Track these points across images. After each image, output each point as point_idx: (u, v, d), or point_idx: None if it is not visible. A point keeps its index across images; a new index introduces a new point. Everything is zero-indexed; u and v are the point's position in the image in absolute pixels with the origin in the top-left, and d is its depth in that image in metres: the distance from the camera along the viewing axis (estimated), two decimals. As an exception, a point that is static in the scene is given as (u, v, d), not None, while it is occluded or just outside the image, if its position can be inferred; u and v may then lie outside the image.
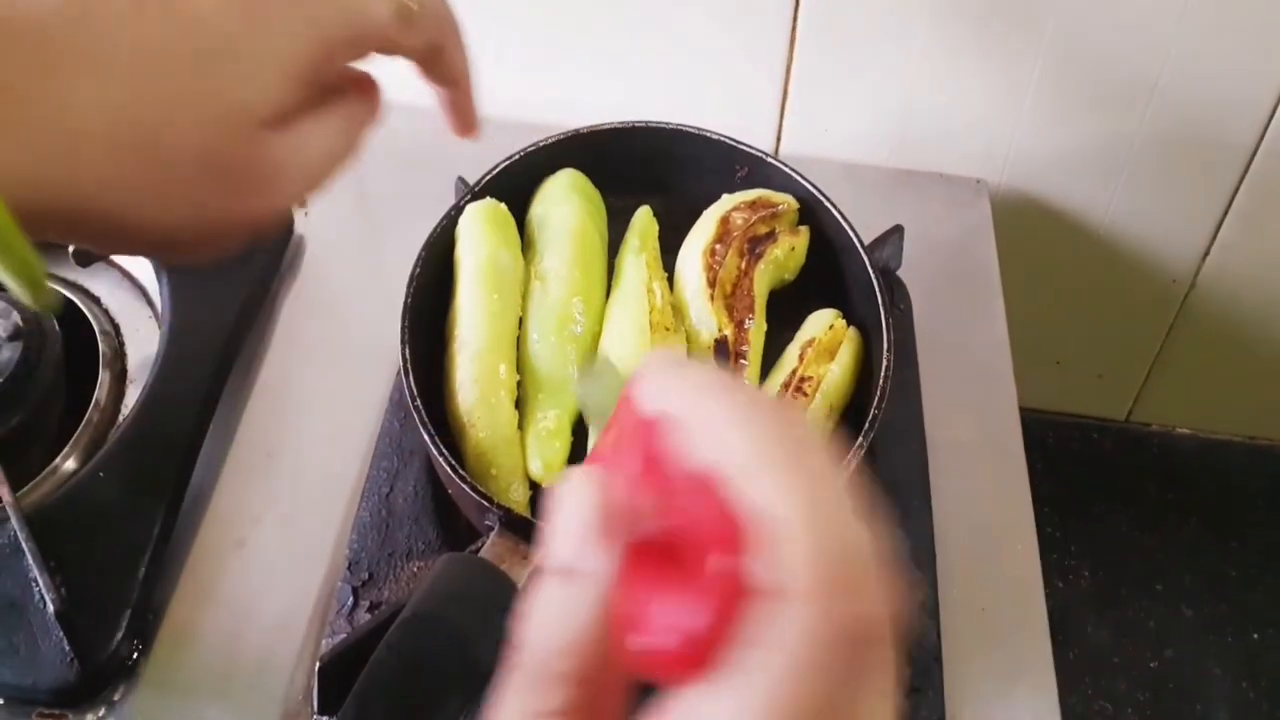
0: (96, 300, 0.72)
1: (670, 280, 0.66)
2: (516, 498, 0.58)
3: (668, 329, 0.62)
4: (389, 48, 0.38)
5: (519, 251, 0.66)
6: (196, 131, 0.32)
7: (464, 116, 0.45)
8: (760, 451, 0.25)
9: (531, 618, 0.26)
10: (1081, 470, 0.95)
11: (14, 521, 0.58)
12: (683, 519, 0.26)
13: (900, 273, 0.72)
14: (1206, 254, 0.86)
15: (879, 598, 0.25)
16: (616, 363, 0.61)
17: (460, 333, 0.63)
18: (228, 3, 0.33)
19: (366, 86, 0.39)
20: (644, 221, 0.68)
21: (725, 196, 0.68)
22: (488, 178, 0.67)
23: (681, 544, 0.26)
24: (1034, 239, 0.86)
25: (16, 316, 0.66)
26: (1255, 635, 0.87)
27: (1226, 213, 0.83)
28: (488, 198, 0.66)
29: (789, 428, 0.26)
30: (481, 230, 0.65)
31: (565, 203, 0.67)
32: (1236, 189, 0.82)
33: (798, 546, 0.24)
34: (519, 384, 0.62)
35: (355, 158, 0.38)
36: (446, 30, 0.42)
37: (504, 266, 0.65)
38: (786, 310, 0.66)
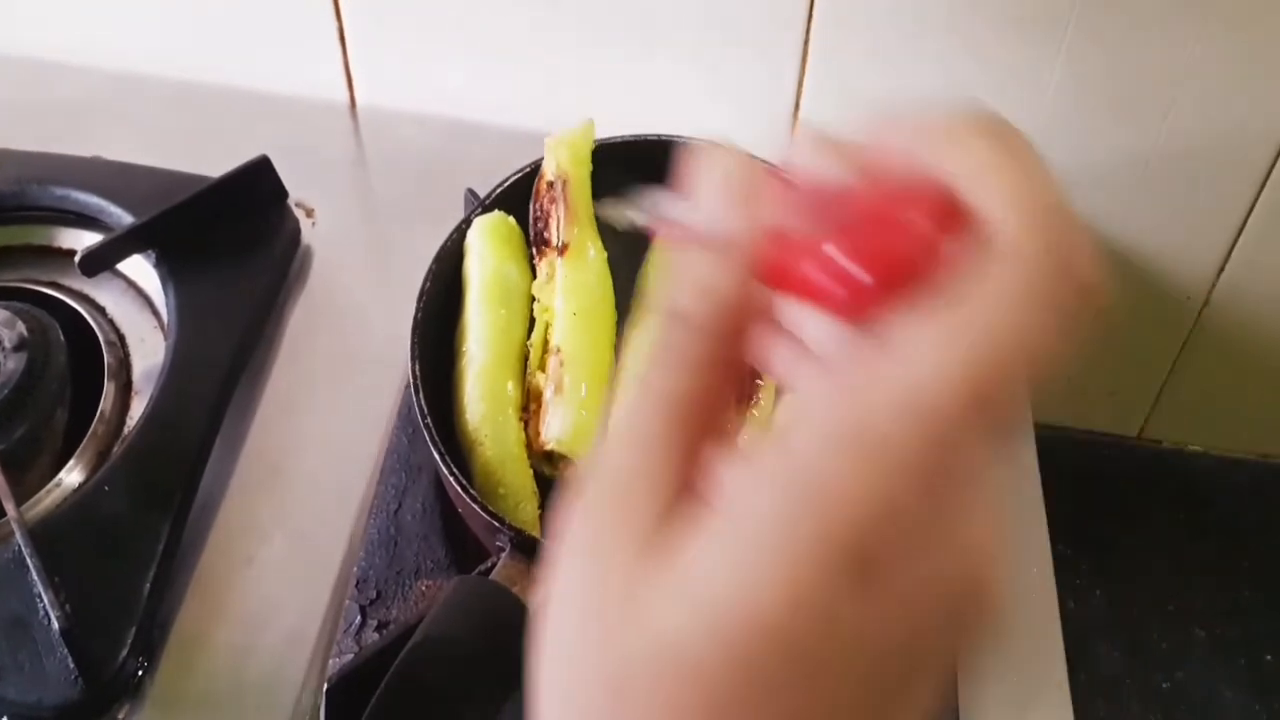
0: (102, 310, 0.72)
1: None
2: (525, 516, 0.58)
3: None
4: None
5: (527, 265, 0.66)
6: None
7: None
8: (984, 159, 0.23)
9: (671, 278, 0.25)
10: (1092, 488, 0.95)
11: (18, 536, 0.57)
12: (873, 198, 0.24)
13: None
14: (1221, 271, 0.85)
15: (1094, 283, 0.23)
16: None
17: (468, 348, 0.62)
18: None
19: None
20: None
21: None
22: (498, 190, 0.67)
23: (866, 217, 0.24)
24: (1047, 254, 0.85)
25: (21, 327, 0.66)
26: (1269, 657, 0.86)
27: (1242, 229, 0.83)
28: (496, 211, 0.66)
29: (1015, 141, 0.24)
30: (489, 244, 0.64)
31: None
32: (1252, 206, 0.81)
33: (1018, 217, 0.22)
34: (559, 364, 0.61)
35: None
36: None
37: (512, 281, 0.64)
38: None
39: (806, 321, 0.25)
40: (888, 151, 0.25)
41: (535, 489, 0.59)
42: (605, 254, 0.65)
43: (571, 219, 0.65)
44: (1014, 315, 0.22)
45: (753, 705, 0.22)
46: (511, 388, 0.61)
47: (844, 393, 0.22)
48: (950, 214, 0.23)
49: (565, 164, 0.65)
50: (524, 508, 0.58)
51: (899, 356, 0.22)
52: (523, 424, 0.61)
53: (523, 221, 0.66)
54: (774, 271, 0.25)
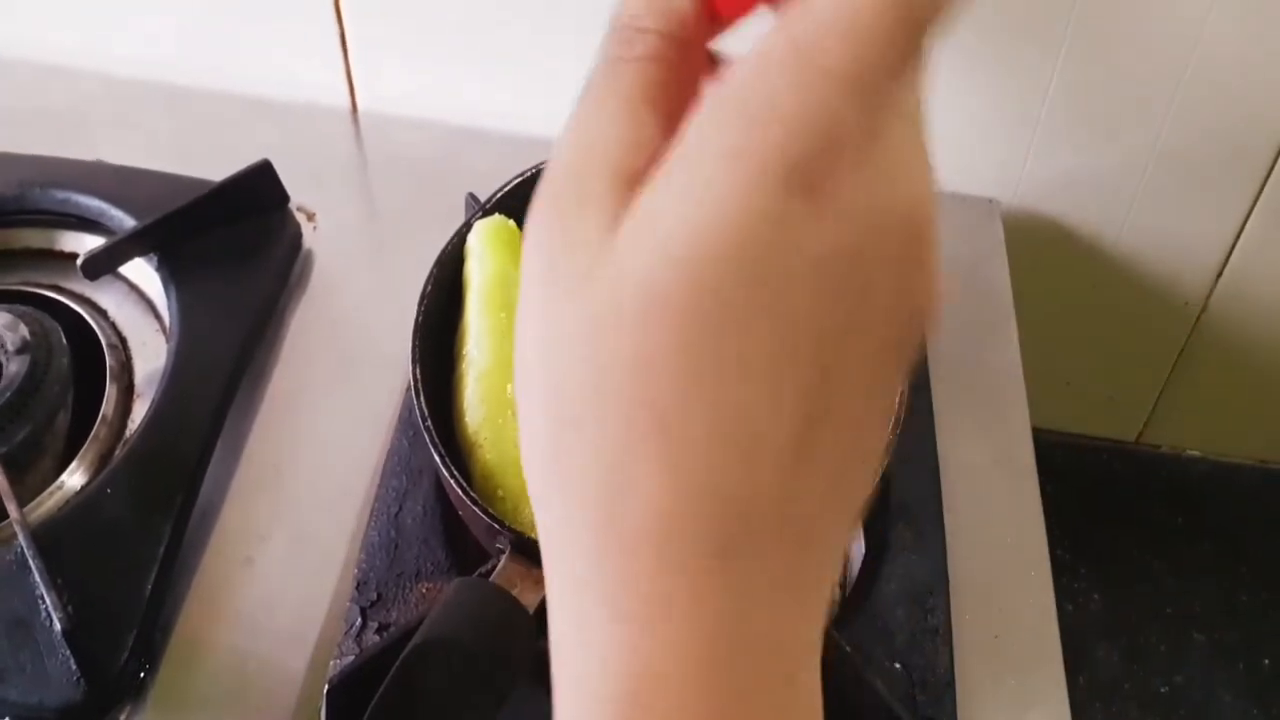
0: (104, 313, 0.72)
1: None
2: (525, 519, 0.58)
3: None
4: None
5: None
6: None
7: None
8: None
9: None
10: (1091, 492, 0.95)
11: (21, 538, 0.58)
12: None
13: (913, 293, 0.72)
14: (1220, 275, 0.85)
15: None
16: None
17: (468, 351, 0.62)
18: None
19: None
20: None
21: None
22: (499, 194, 0.67)
23: None
24: (1046, 259, 0.86)
25: (24, 330, 0.66)
26: (1266, 660, 0.86)
27: (1240, 234, 0.83)
28: (497, 215, 0.66)
29: None
30: (490, 248, 0.65)
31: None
32: (1250, 211, 0.81)
33: None
34: None
35: None
36: None
37: (512, 284, 0.65)
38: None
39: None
40: None
41: None
42: None
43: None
44: None
45: (725, 332, 0.22)
46: (511, 391, 0.61)
47: (783, 23, 0.23)
48: None
49: None
50: (523, 511, 0.58)
51: None
52: None
53: (524, 225, 0.67)
54: None
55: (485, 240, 0.65)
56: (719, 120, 0.23)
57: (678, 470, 0.23)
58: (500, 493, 0.58)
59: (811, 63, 0.22)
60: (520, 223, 0.66)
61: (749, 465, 0.23)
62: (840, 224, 0.23)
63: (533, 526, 0.57)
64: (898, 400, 0.25)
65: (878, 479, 0.24)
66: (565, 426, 0.24)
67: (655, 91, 0.25)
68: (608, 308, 0.23)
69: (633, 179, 0.24)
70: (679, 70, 0.26)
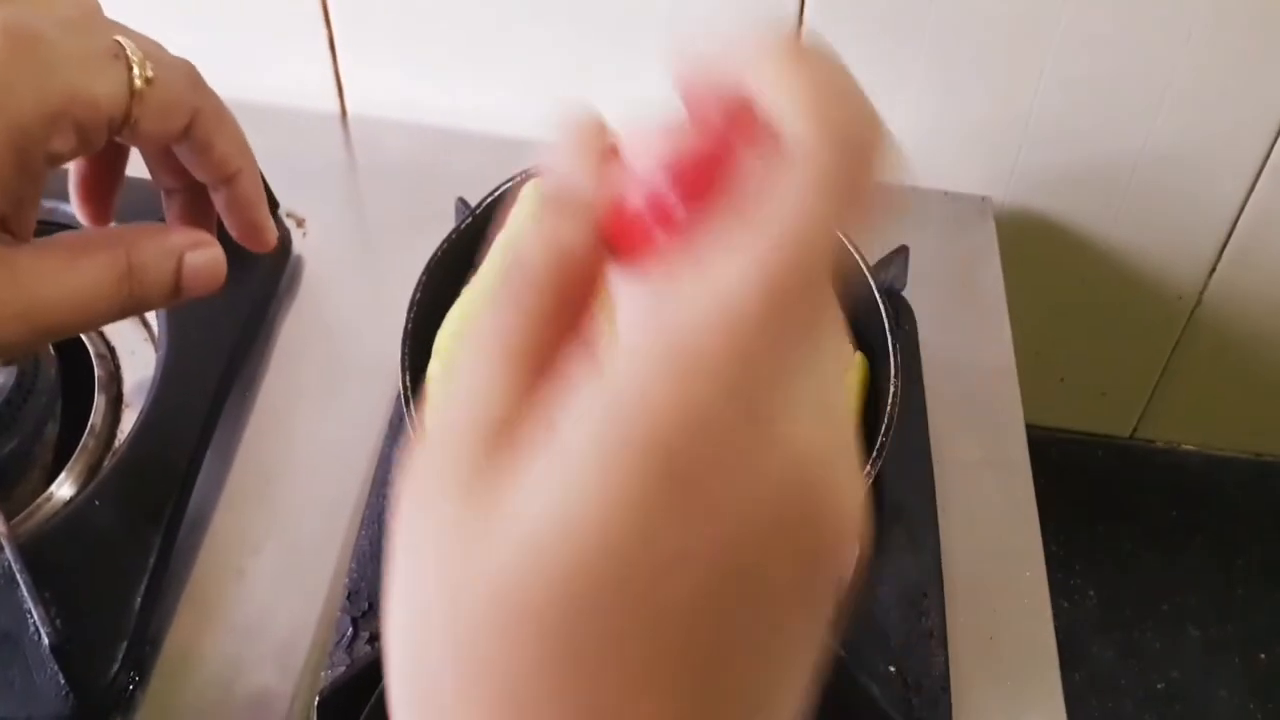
0: (92, 322, 0.72)
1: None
2: None
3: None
4: (126, 135, 0.33)
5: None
6: None
7: (251, 224, 0.39)
8: (782, 73, 0.24)
9: (518, 239, 0.26)
10: (1085, 488, 0.95)
11: (8, 551, 0.57)
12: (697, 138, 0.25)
13: (904, 292, 0.72)
14: (1213, 270, 0.85)
15: (886, 168, 0.23)
16: None
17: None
18: None
19: (166, 234, 0.35)
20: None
21: None
22: (489, 199, 0.66)
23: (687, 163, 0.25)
24: (1039, 256, 0.86)
25: (11, 341, 0.65)
26: (1262, 655, 0.86)
27: (1233, 229, 0.83)
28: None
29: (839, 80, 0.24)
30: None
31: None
32: (1243, 205, 0.81)
33: (807, 121, 0.23)
34: None
35: (129, 311, 0.33)
36: (203, 110, 0.35)
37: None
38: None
39: (636, 270, 0.25)
40: (709, 86, 0.26)
41: None
42: None
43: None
44: (805, 211, 0.22)
45: (594, 647, 0.21)
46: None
47: (654, 312, 0.22)
48: (753, 130, 0.24)
49: None
50: None
51: (702, 271, 0.22)
52: None
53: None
54: (616, 222, 0.25)
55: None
56: (589, 413, 0.22)
57: None
58: None
59: (681, 358, 0.21)
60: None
61: None
62: (720, 522, 0.21)
63: None
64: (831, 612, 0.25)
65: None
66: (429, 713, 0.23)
67: (532, 352, 0.24)
68: (474, 615, 0.22)
69: (500, 449, 0.23)
70: (562, 316, 0.25)
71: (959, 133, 0.80)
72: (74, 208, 0.39)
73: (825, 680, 0.25)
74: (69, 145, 0.32)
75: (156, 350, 0.69)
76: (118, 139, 0.34)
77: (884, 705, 0.54)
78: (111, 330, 0.71)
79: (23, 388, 0.64)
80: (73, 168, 0.38)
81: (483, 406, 0.23)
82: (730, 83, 0.25)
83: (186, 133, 0.35)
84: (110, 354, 0.70)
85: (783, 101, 0.24)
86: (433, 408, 0.24)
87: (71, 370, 0.68)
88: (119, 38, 0.34)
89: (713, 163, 0.25)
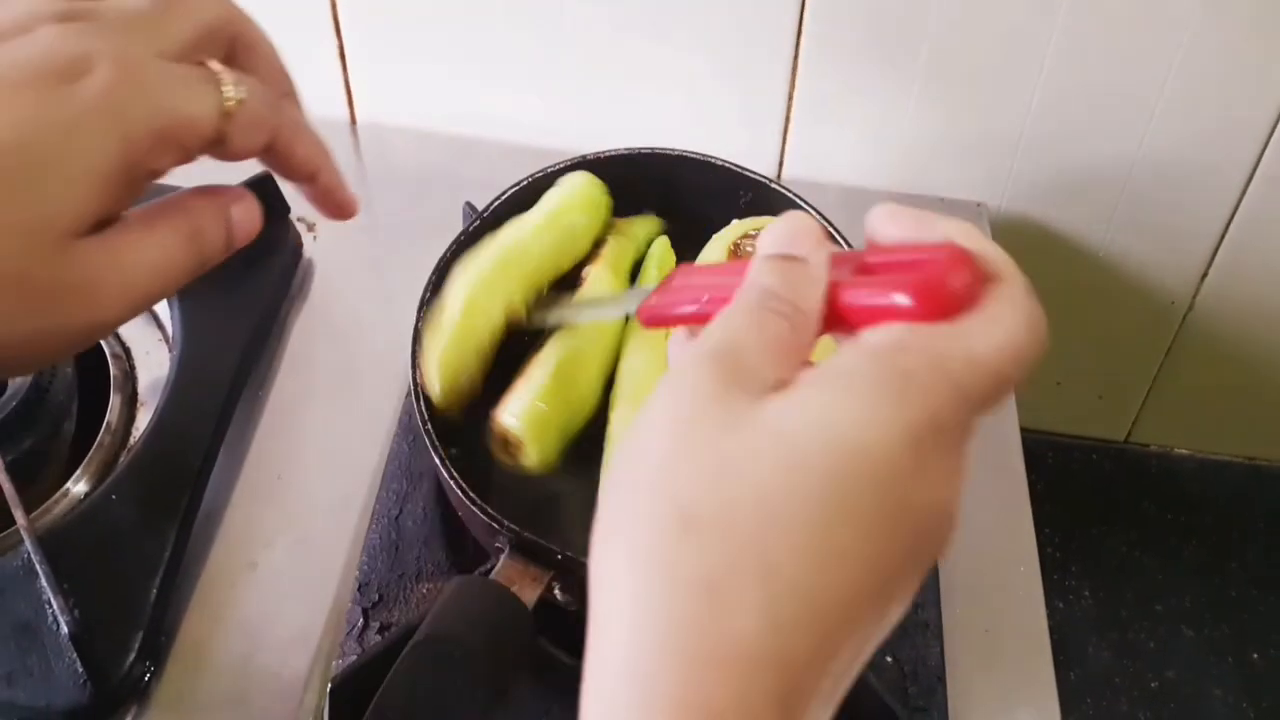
0: (108, 323, 0.73)
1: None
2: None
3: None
4: (217, 149, 0.36)
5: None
6: None
7: (336, 204, 0.43)
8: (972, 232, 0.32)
9: (760, 262, 0.33)
10: (1081, 491, 0.96)
11: (28, 544, 0.59)
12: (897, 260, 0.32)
13: (902, 296, 0.73)
14: (1205, 275, 0.86)
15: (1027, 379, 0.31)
16: (637, 383, 0.62)
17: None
18: (18, 103, 0.31)
19: (214, 195, 0.38)
20: (661, 253, 0.69)
21: (735, 222, 0.69)
22: (497, 203, 0.68)
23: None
24: (1034, 261, 0.85)
25: (29, 340, 0.67)
26: (1255, 656, 0.87)
27: (1225, 234, 0.84)
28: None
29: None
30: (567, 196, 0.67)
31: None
32: (1235, 210, 0.82)
33: (1005, 264, 0.32)
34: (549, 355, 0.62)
35: (197, 271, 0.36)
36: (283, 125, 0.39)
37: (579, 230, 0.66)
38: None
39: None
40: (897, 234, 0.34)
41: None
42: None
43: (604, 271, 0.66)
44: (1023, 328, 0.30)
45: (843, 515, 0.27)
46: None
47: (923, 335, 0.29)
48: (961, 259, 0.31)
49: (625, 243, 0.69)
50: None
51: (966, 330, 0.30)
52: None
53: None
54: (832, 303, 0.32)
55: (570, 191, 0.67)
56: (874, 363, 0.29)
57: (770, 611, 0.26)
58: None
59: (949, 372, 0.29)
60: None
61: (824, 623, 0.27)
62: (940, 483, 0.29)
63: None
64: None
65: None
66: (683, 535, 0.27)
67: (789, 342, 0.31)
68: (748, 453, 0.28)
69: (779, 376, 0.30)
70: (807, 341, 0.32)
71: (954, 140, 0.82)
72: None
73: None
74: (169, 160, 0.35)
75: (170, 350, 0.70)
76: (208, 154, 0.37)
77: (882, 693, 0.55)
78: (126, 331, 0.73)
79: (40, 387, 0.66)
80: None
81: (773, 341, 0.31)
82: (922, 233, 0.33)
83: (269, 146, 0.38)
84: (125, 354, 0.72)
85: (983, 246, 0.32)
86: (724, 324, 0.32)
87: (87, 370, 0.70)
88: (210, 63, 0.37)
89: (920, 268, 0.31)
